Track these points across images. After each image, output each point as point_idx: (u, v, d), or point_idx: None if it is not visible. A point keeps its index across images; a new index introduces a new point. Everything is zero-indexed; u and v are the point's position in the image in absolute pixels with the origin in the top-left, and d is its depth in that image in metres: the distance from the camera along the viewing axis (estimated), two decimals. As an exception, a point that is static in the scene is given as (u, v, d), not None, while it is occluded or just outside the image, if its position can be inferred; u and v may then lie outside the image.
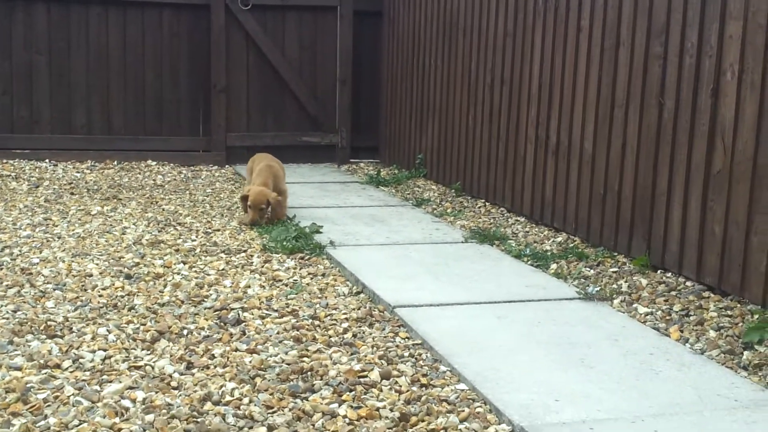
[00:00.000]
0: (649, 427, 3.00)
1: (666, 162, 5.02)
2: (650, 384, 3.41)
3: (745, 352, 3.77)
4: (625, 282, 4.83)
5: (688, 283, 4.76)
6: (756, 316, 4.12)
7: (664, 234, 5.02)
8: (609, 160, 5.54)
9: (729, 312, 4.28)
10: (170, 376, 3.44)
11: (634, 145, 5.28)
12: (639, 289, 4.70)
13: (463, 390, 3.38)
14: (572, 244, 5.73)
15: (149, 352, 3.70)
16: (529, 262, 5.32)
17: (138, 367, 3.51)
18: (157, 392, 3.27)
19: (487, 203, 7.18)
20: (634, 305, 4.45)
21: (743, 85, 4.43)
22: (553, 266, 5.20)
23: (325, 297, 4.58)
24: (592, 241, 5.71)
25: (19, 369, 3.43)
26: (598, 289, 4.66)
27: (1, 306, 4.20)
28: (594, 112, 5.69)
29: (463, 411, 3.17)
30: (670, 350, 3.79)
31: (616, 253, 5.42)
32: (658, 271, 5.02)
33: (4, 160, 8.85)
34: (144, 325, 4.03)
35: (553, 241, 5.88)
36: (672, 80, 4.96)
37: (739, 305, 4.35)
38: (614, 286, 4.77)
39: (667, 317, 4.27)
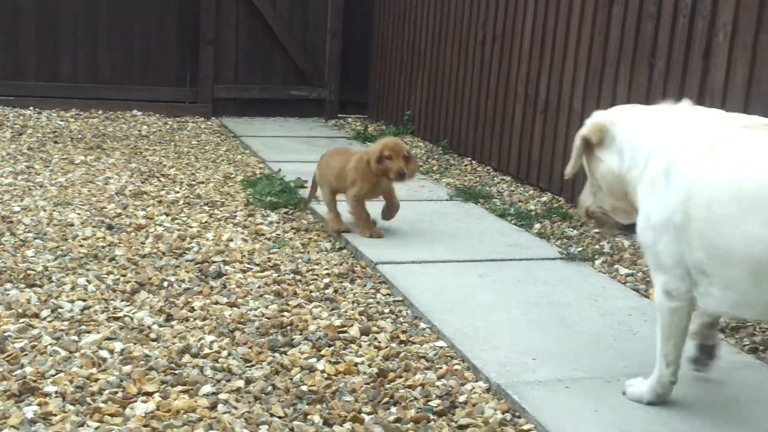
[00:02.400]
0: (624, 387, 3.01)
1: (653, 123, 4.99)
2: (627, 344, 3.42)
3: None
4: (607, 243, 4.84)
5: (671, 246, 4.77)
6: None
7: (649, 196, 5.01)
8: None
9: (710, 275, 4.30)
10: (149, 327, 3.43)
11: (624, 104, 5.24)
12: (621, 250, 4.71)
13: (442, 347, 3.39)
14: (556, 205, 5.73)
15: (129, 304, 3.69)
16: (512, 222, 5.32)
17: (117, 318, 3.50)
18: (135, 344, 3.27)
19: (473, 161, 7.15)
20: (615, 266, 4.46)
21: (735, 47, 4.40)
22: (537, 226, 5.20)
23: (308, 252, 4.57)
24: (576, 202, 5.69)
25: (-4, 318, 3.42)
26: (580, 249, 4.66)
27: (-19, 254, 4.18)
28: (585, 70, 5.65)
29: (441, 368, 3.19)
30: (648, 311, 3.80)
31: (600, 214, 5.40)
32: (642, 233, 5.03)
33: (-12, 107, 8.75)
34: (124, 276, 4.01)
35: (538, 200, 5.87)
36: (664, 40, 4.92)
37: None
38: (596, 247, 4.78)
39: (647, 278, 4.28)
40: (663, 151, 2.84)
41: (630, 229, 3.15)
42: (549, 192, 6.03)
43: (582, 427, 2.74)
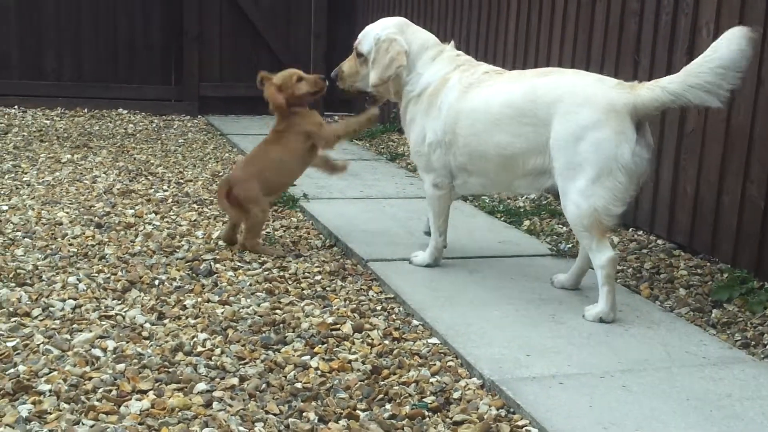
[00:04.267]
0: (617, 383, 3.04)
1: (640, 121, 5.02)
2: (620, 340, 3.44)
3: (714, 311, 3.82)
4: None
5: (659, 242, 4.81)
6: (725, 275, 4.17)
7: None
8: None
9: (699, 270, 4.33)
10: (141, 326, 3.42)
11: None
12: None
13: (435, 344, 3.39)
14: (545, 201, 5.75)
15: (120, 302, 3.67)
16: (502, 218, 5.33)
17: (109, 317, 3.49)
18: (128, 342, 3.25)
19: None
20: (606, 263, 4.47)
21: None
22: (526, 223, 5.22)
23: (298, 249, 4.56)
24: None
25: (-13, 317, 3.40)
26: (570, 246, 4.68)
27: (-31, 253, 4.15)
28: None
29: (435, 365, 3.19)
30: (640, 307, 3.83)
31: (588, 211, 5.43)
32: (630, 229, 5.06)
33: (-28, 106, 8.68)
34: (115, 274, 4.00)
35: (527, 198, 5.89)
36: (648, 37, 4.95)
37: (709, 264, 4.40)
38: (586, 243, 4.79)
39: (638, 275, 4.31)
40: (433, 88, 4.09)
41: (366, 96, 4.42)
42: (537, 189, 6.03)
43: (577, 422, 2.75)
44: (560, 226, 5.16)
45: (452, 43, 4.31)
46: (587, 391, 2.96)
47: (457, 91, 4.01)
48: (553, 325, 3.58)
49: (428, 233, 4.38)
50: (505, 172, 3.93)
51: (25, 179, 5.78)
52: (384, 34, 4.20)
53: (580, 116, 3.59)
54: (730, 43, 3.35)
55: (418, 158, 4.24)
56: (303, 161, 4.60)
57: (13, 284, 3.78)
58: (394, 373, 3.12)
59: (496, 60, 6.57)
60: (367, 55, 4.25)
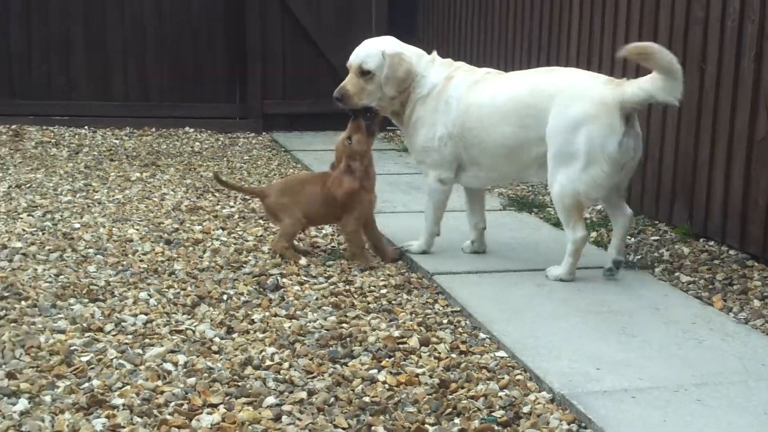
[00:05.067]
0: (692, 396, 2.97)
1: (708, 129, 4.93)
2: (693, 353, 3.37)
3: (790, 322, 3.71)
4: (667, 250, 4.77)
5: (732, 252, 4.70)
6: (801, 286, 4.05)
7: (707, 203, 4.94)
8: (649, 128, 5.45)
9: (773, 281, 4.22)
10: (211, 340, 3.46)
11: (675, 113, 5.18)
12: (681, 257, 4.65)
13: (502, 357, 3.36)
14: (612, 213, 5.66)
15: (190, 317, 3.72)
16: (568, 230, 5.26)
17: (179, 331, 3.54)
18: (198, 356, 3.29)
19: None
20: (676, 274, 4.39)
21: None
22: (593, 234, 5.15)
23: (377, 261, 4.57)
24: (633, 210, 5.61)
25: (62, 332, 3.48)
26: (639, 257, 4.61)
27: (44, 270, 4.25)
28: (634, 77, 5.58)
29: (503, 378, 3.16)
30: (713, 319, 3.74)
31: (657, 222, 5.35)
32: (701, 240, 4.96)
33: (45, 127, 8.93)
34: (184, 290, 4.06)
35: (593, 209, 5.81)
36: (714, 45, 4.85)
37: (783, 275, 4.29)
38: (655, 254, 4.71)
39: (710, 286, 4.21)
40: (441, 87, 4.47)
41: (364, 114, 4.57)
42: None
43: (650, 437, 2.70)
44: (628, 237, 5.07)
45: (434, 52, 4.71)
46: (661, 405, 2.90)
47: (464, 87, 4.44)
48: (624, 338, 3.52)
49: (472, 251, 4.76)
50: (511, 162, 4.37)
51: (96, 197, 5.92)
52: (390, 50, 4.51)
53: (573, 109, 4.06)
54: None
55: (425, 155, 4.56)
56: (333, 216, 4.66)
57: (86, 300, 3.87)
58: (462, 387, 3.10)
59: (559, 71, 6.50)
60: (375, 71, 4.48)
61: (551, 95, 4.13)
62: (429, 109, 4.51)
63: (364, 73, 4.51)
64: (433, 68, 4.57)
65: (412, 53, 4.60)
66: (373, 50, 4.52)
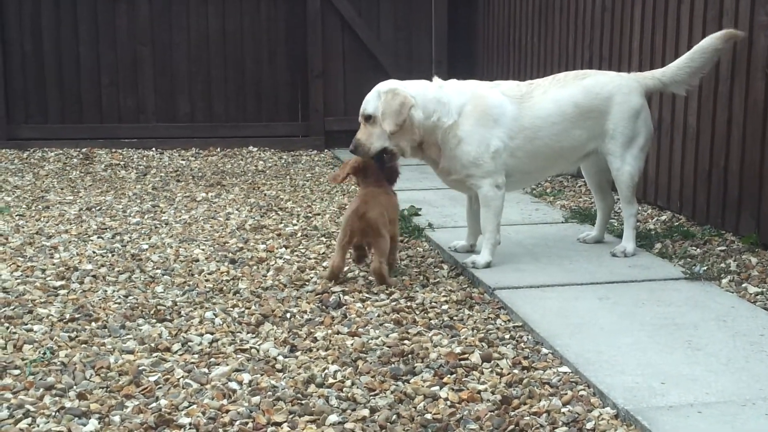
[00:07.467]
0: (760, 411, 2.91)
1: (775, 136, 4.83)
2: (761, 366, 3.30)
3: None
4: (734, 261, 4.68)
5: (801, 262, 4.58)
6: None
7: (775, 211, 4.83)
8: (714, 136, 5.37)
9: None
10: (275, 358, 3.51)
11: (741, 120, 5.09)
12: (748, 268, 4.55)
13: (565, 372, 3.34)
14: (677, 223, 5.58)
15: (254, 336, 3.78)
16: (632, 242, 5.20)
17: (244, 350, 3.60)
18: (262, 375, 3.35)
19: (586, 183, 7.03)
20: (744, 285, 4.30)
21: None
22: (657, 246, 5.08)
23: (425, 279, 4.59)
24: (698, 220, 5.55)
25: (131, 352, 3.57)
26: (704, 268, 4.53)
27: (114, 291, 4.37)
28: (698, 87, 5.50)
29: (566, 394, 3.14)
30: (782, 332, 3.66)
31: (723, 232, 5.25)
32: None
33: (114, 150, 9.18)
34: (249, 308, 4.13)
35: (657, 219, 5.73)
36: (780, 50, 4.76)
37: None
38: (722, 265, 4.63)
39: (781, 298, 4.12)
40: (473, 105, 4.68)
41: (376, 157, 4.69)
42: (668, 210, 5.88)
43: (717, 453, 2.65)
44: (693, 248, 5.00)
45: (435, 77, 4.97)
46: (728, 420, 2.85)
47: (513, 103, 4.75)
48: (689, 351, 3.47)
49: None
50: (567, 161, 4.97)
51: (163, 218, 6.06)
52: (384, 88, 4.63)
53: (632, 102, 4.81)
54: (704, 51, 4.85)
55: (476, 168, 4.69)
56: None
57: (154, 320, 3.97)
58: (525, 403, 3.09)
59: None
60: (374, 113, 4.58)
61: (609, 96, 4.80)
62: (469, 128, 4.66)
63: (368, 119, 4.61)
64: (448, 92, 4.73)
65: (412, 88, 4.66)
66: (371, 94, 4.64)
